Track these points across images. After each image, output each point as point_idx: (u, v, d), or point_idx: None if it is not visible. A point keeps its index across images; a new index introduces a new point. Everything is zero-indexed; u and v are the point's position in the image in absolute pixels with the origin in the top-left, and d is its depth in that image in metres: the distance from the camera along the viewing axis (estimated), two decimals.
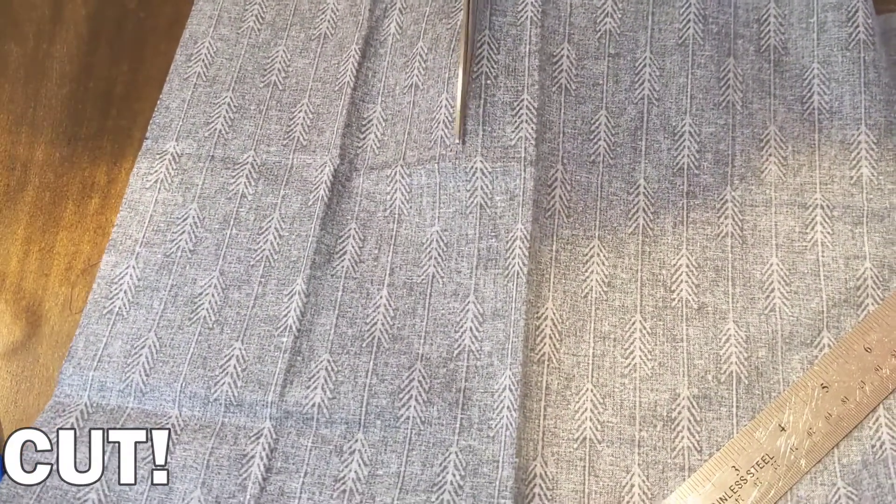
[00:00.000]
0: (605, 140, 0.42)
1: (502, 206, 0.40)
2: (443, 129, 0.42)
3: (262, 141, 0.43)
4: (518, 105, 0.42)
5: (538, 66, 0.43)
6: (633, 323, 0.38)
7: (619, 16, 0.44)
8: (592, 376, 0.37)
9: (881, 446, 0.35)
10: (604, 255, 0.40)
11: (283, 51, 0.46)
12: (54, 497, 0.35)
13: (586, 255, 0.40)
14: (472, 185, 0.40)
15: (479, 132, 0.41)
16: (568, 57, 0.44)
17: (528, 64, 0.43)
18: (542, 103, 0.42)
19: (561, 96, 0.43)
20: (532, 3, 0.44)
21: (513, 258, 0.39)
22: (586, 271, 0.39)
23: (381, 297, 0.39)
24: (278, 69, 0.45)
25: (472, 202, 0.40)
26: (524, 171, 0.40)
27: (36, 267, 0.42)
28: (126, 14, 0.49)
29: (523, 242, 0.39)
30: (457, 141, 0.41)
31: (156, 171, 0.43)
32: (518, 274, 0.38)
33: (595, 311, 0.39)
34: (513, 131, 0.41)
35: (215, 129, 0.44)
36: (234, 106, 0.44)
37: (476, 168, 0.40)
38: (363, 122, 0.44)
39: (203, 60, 0.46)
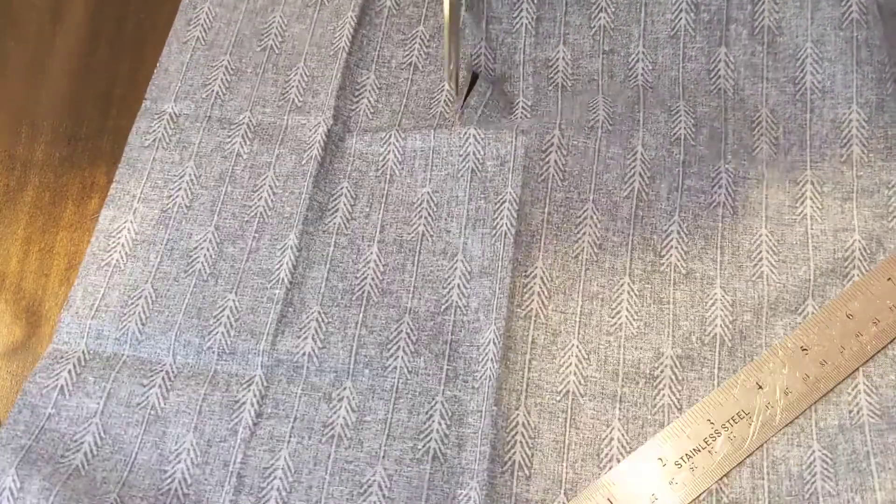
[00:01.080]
0: (604, 111, 0.43)
1: (493, 170, 0.41)
2: (444, 107, 0.44)
3: (258, 102, 0.45)
4: (514, 106, 0.44)
5: (532, 72, 0.45)
6: (622, 284, 0.39)
7: (613, 9, 0.46)
8: (579, 333, 0.38)
9: (858, 412, 0.35)
10: (597, 218, 0.41)
11: (280, 16, 0.47)
12: (52, 439, 0.37)
13: (579, 217, 0.41)
14: (464, 150, 0.42)
15: (479, 109, 0.43)
16: (563, 59, 0.45)
17: (522, 72, 0.45)
18: (537, 101, 0.44)
19: (558, 93, 0.44)
20: (527, 9, 0.46)
21: (501, 218, 0.40)
22: (578, 233, 0.40)
23: (371, 253, 0.41)
24: (275, 34, 0.47)
25: (464, 167, 0.42)
26: (515, 139, 0.42)
27: (36, 267, 0.42)
28: (126, 14, 0.49)
29: (512, 205, 0.40)
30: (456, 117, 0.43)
31: (154, 131, 0.44)
32: (506, 234, 0.40)
33: (585, 271, 0.40)
34: (508, 122, 0.43)
35: (213, 91, 0.45)
36: (232, 69, 0.46)
37: (469, 134, 0.42)
38: (357, 87, 0.45)
39: (202, 25, 0.47)
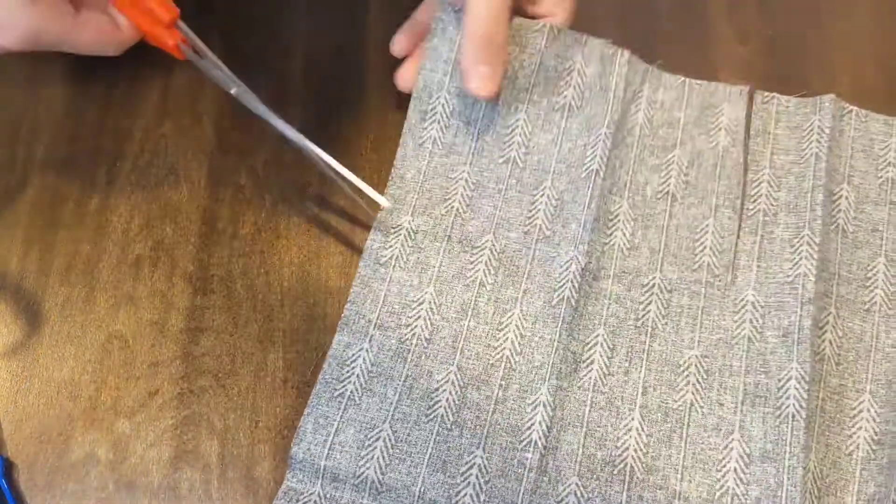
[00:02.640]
0: (882, 289, 0.40)
1: (774, 342, 0.38)
2: (710, 257, 0.40)
3: (502, 225, 0.42)
4: (798, 242, 0.40)
5: (821, 202, 0.41)
6: None
7: None
8: None
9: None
10: (874, 411, 0.37)
11: (524, 121, 0.43)
12: None
13: (854, 408, 0.37)
14: (740, 316, 0.39)
15: (753, 268, 0.40)
16: (846, 198, 0.42)
17: (810, 199, 0.41)
18: (823, 240, 0.40)
19: (837, 237, 0.41)
20: (818, 139, 0.42)
21: (787, 398, 0.37)
22: (853, 426, 0.37)
23: (632, 420, 0.37)
24: (518, 143, 0.43)
25: (740, 334, 0.39)
26: (801, 308, 0.38)
27: (36, 267, 0.42)
28: None
29: (800, 384, 0.37)
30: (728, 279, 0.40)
31: (391, 247, 0.41)
32: (794, 416, 0.36)
33: (861, 471, 0.36)
34: (791, 268, 0.39)
35: (452, 207, 0.42)
36: (472, 182, 0.42)
37: (747, 300, 0.39)
38: (610, 218, 0.41)
39: (438, 122, 0.43)
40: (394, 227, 0.41)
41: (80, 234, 0.43)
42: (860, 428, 0.37)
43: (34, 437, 0.39)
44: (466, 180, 0.42)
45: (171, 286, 0.42)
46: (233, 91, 0.40)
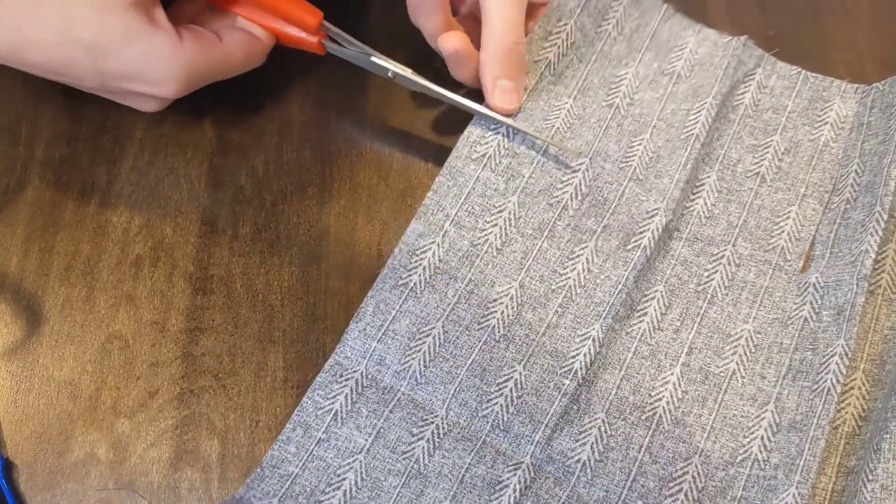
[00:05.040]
0: (889, 273, 0.40)
1: (828, 320, 0.38)
2: (786, 242, 0.41)
3: (600, 153, 0.42)
4: (869, 220, 0.40)
5: (895, 177, 0.40)
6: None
7: None
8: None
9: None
10: (865, 389, 0.38)
11: (633, 76, 0.44)
12: (317, 468, 0.36)
13: (846, 385, 0.38)
14: (802, 299, 0.39)
15: (826, 255, 0.40)
16: None
17: (885, 175, 0.40)
18: (892, 214, 0.40)
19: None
20: None
21: (826, 373, 0.37)
22: (842, 402, 0.37)
23: (671, 374, 0.38)
24: (623, 93, 0.44)
25: (797, 315, 0.39)
26: (856, 284, 0.38)
27: (36, 267, 0.42)
28: None
29: (842, 359, 0.37)
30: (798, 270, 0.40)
31: (486, 144, 0.41)
32: (829, 391, 0.36)
33: (844, 445, 0.37)
34: (857, 246, 0.39)
35: (554, 126, 0.42)
36: (575, 114, 0.42)
37: (810, 283, 0.39)
38: (696, 184, 0.42)
39: (558, 47, 0.43)
40: (493, 126, 0.41)
41: (80, 234, 0.43)
42: (849, 404, 0.37)
43: (34, 437, 0.39)
44: (569, 111, 0.43)
45: (171, 286, 0.42)
46: (389, 75, 0.41)
